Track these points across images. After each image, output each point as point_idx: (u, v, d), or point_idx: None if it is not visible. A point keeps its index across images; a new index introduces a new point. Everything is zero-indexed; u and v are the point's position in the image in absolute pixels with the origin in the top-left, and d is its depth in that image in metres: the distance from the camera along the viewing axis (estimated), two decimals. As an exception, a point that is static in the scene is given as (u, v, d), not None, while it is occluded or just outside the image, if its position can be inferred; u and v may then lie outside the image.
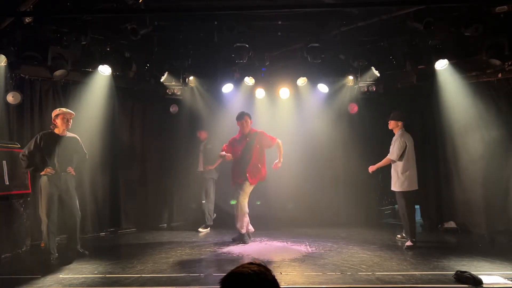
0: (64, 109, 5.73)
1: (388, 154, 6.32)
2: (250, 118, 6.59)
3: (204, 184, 7.77)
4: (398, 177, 6.20)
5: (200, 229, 7.57)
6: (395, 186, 6.26)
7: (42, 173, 5.53)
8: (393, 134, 6.50)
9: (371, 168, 6.51)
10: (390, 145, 6.41)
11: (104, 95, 7.26)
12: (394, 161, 6.25)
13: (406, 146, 6.18)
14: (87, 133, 6.79)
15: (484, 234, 6.69)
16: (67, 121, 5.64)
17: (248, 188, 6.52)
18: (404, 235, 6.42)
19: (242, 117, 6.54)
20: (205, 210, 7.69)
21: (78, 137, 5.90)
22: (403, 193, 6.16)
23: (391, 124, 6.43)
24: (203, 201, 7.73)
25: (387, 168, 6.50)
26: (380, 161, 6.45)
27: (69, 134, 5.78)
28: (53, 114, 5.69)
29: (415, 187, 6.20)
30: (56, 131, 5.64)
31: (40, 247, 6.31)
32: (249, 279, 1.49)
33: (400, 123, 6.35)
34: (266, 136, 6.62)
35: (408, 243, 6.04)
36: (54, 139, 5.61)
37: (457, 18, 6.08)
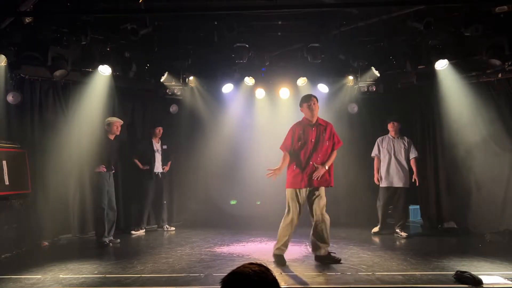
0: (117, 119, 6.73)
1: (415, 155, 6.93)
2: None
3: (161, 186, 7.72)
4: (406, 174, 6.85)
5: (133, 232, 7.50)
6: (404, 183, 6.85)
7: (100, 169, 6.42)
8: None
9: (418, 181, 6.87)
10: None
11: (104, 95, 7.25)
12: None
13: None
14: (87, 134, 6.80)
15: (484, 234, 6.68)
16: (118, 128, 6.68)
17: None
18: (399, 230, 6.88)
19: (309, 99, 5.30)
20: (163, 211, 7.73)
21: (120, 141, 6.95)
22: (409, 189, 6.88)
23: (397, 126, 7.00)
24: (164, 202, 7.73)
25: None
26: (416, 167, 6.95)
27: (115, 138, 6.77)
28: (108, 122, 6.67)
29: None
30: (110, 136, 6.64)
31: (42, 246, 6.33)
32: (250, 279, 1.49)
33: (400, 125, 7.04)
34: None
35: (403, 233, 6.79)
36: (108, 143, 6.63)
37: (457, 18, 6.08)
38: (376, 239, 6.70)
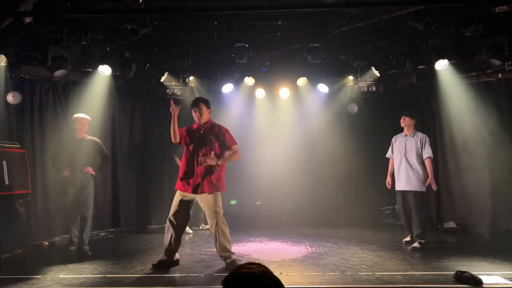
0: (80, 115, 6.05)
1: (427, 155, 6.00)
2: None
3: None
4: (417, 176, 6.00)
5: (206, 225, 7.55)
6: (414, 186, 5.99)
7: (63, 173, 5.87)
8: (392, 134, 6.52)
9: (434, 185, 6.03)
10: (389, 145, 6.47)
11: (104, 95, 7.26)
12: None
13: None
14: (87, 133, 6.80)
15: (484, 234, 6.69)
16: (83, 125, 6.01)
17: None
18: (411, 237, 6.20)
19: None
20: None
21: (97, 140, 6.20)
22: (422, 193, 6.02)
23: (407, 121, 6.18)
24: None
25: (387, 168, 6.49)
26: (431, 165, 6.06)
27: (88, 137, 6.11)
28: (71, 119, 6.08)
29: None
30: (77, 135, 6.02)
31: (41, 247, 6.33)
32: (256, 279, 1.48)
33: (414, 122, 6.24)
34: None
35: (416, 244, 5.92)
36: (72, 142, 5.99)
37: (457, 18, 6.08)
38: (376, 239, 6.69)
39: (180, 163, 5.14)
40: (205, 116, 5.09)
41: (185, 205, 4.95)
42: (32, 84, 6.73)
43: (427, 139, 6.12)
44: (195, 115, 5.12)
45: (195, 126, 5.17)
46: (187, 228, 7.55)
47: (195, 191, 4.87)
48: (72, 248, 5.94)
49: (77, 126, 5.97)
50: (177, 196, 4.97)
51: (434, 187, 6.07)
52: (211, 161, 4.84)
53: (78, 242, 5.80)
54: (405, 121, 6.22)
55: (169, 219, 4.96)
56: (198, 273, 4.75)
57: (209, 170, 4.89)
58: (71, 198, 5.88)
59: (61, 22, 6.24)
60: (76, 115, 6.07)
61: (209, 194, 4.86)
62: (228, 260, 4.90)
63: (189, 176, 4.90)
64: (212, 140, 4.99)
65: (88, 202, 5.91)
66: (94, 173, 6.02)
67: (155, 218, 8.18)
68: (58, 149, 6.06)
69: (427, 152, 6.03)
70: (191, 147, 5.01)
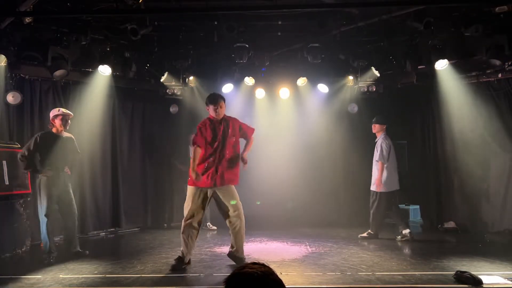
0: (63, 110, 5.70)
1: (378, 159, 6.57)
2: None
3: None
4: (372, 177, 6.68)
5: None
6: (371, 186, 6.71)
7: (42, 174, 5.49)
8: (391, 134, 6.55)
9: (377, 187, 6.56)
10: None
11: (104, 95, 7.26)
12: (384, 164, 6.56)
13: (391, 148, 6.61)
14: (87, 133, 6.80)
15: (484, 234, 6.69)
16: (66, 121, 5.60)
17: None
18: (403, 232, 6.49)
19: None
20: None
21: (73, 137, 5.84)
22: (375, 193, 6.62)
23: (376, 128, 6.74)
24: None
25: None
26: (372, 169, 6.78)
27: (66, 134, 5.72)
28: (52, 114, 5.64)
29: (396, 187, 6.63)
30: (54, 130, 5.60)
31: (40, 247, 6.31)
32: (256, 280, 1.48)
33: (384, 127, 6.72)
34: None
35: (364, 234, 6.63)
36: (52, 139, 5.56)
37: (457, 18, 6.09)
38: (376, 239, 6.69)
39: (197, 159, 4.95)
40: (224, 111, 5.16)
41: (205, 201, 5.02)
42: (32, 84, 6.73)
43: (381, 143, 6.60)
44: (214, 112, 5.07)
45: (210, 122, 5.11)
46: (210, 225, 7.67)
47: (222, 182, 5.01)
48: (47, 257, 5.40)
49: (60, 122, 5.53)
50: (195, 193, 4.94)
51: (376, 189, 6.58)
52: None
53: (72, 246, 5.74)
54: (375, 128, 6.79)
55: (192, 224, 4.91)
56: (198, 273, 4.75)
57: (233, 162, 5.09)
58: (54, 203, 5.52)
59: (61, 22, 6.24)
60: (60, 109, 5.65)
61: (232, 185, 5.11)
62: (241, 256, 5.10)
63: (212, 168, 4.98)
64: (232, 132, 5.13)
65: (73, 207, 5.71)
66: (70, 173, 5.76)
67: (155, 218, 8.18)
68: (34, 146, 5.47)
69: (377, 156, 6.63)
70: (215, 144, 5.02)
